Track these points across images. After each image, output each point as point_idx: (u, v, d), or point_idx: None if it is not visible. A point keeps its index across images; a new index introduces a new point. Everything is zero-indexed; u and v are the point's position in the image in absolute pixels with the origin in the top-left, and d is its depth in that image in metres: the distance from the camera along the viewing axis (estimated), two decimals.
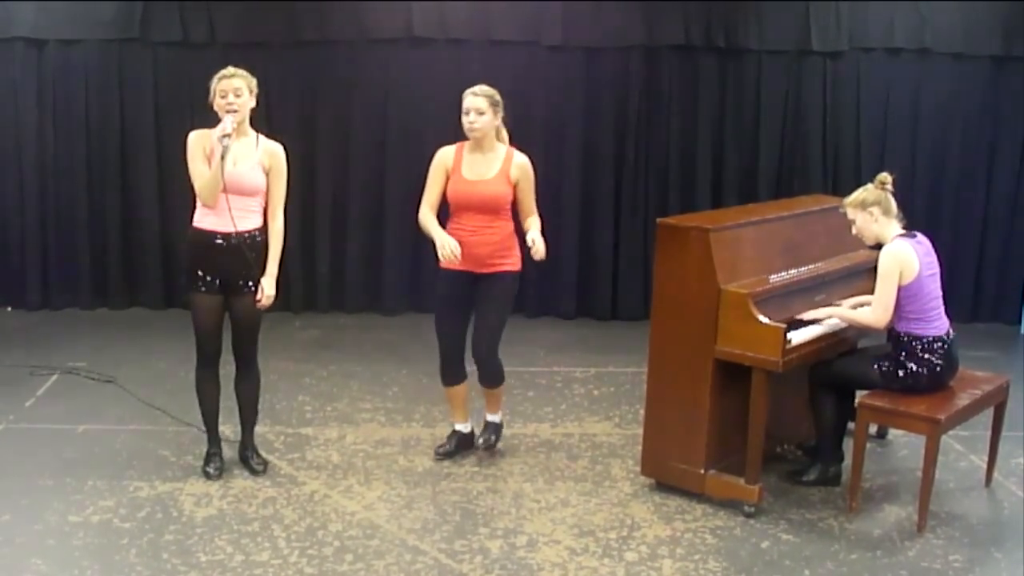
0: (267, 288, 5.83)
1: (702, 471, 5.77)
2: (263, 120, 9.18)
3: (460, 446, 6.40)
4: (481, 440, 6.36)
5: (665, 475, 5.95)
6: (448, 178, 6.01)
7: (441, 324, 6.17)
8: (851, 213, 5.83)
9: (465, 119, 5.91)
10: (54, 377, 7.56)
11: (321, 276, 9.48)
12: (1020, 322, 9.59)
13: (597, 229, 9.50)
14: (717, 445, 5.76)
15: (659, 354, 5.84)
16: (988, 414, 6.08)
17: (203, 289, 5.76)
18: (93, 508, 5.60)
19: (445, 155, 6.05)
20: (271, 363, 7.92)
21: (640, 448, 6.08)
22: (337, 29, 9.12)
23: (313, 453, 6.40)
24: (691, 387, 5.69)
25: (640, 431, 6.12)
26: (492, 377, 6.26)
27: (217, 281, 5.76)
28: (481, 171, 5.96)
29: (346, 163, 9.28)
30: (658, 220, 5.92)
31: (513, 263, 6.09)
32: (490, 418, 6.42)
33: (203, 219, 5.74)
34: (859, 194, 5.81)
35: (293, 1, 9.02)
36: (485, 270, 6.01)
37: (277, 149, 5.93)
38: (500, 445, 6.56)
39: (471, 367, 6.24)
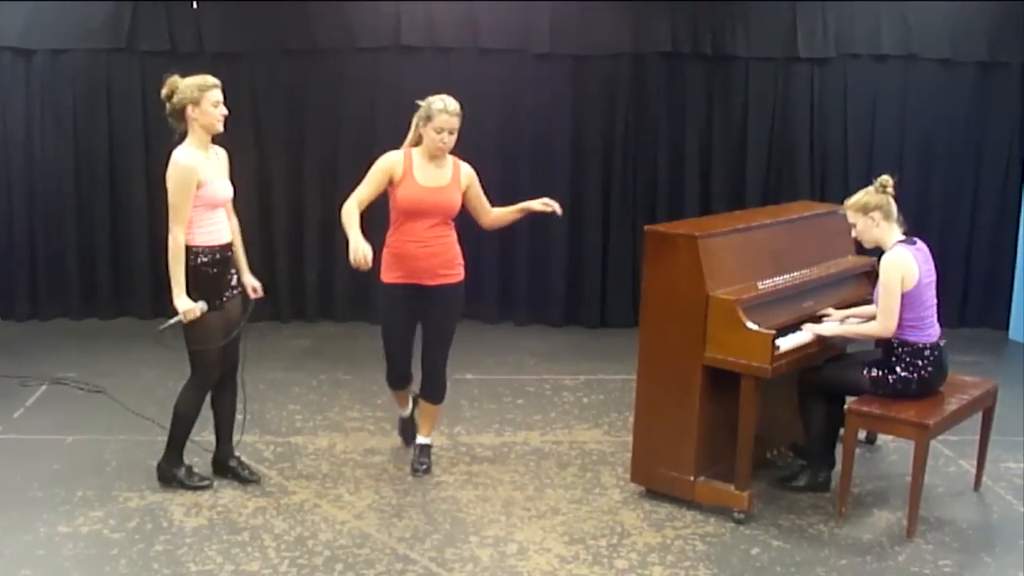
0: (255, 282, 6.06)
1: (692, 478, 5.77)
2: (251, 129, 9.24)
3: (408, 430, 6.53)
4: (416, 466, 6.28)
5: (655, 482, 5.95)
6: (392, 184, 5.90)
7: (394, 339, 6.11)
8: (852, 216, 5.81)
9: (436, 137, 5.81)
10: (43, 388, 7.54)
11: (310, 285, 9.48)
12: (1008, 327, 9.62)
13: (586, 237, 9.51)
14: (706, 452, 5.76)
15: (648, 361, 5.85)
16: (977, 419, 6.09)
17: (218, 305, 5.75)
18: (83, 519, 5.59)
19: (393, 161, 5.91)
20: (260, 372, 7.94)
21: (630, 455, 6.08)
22: (325, 37, 9.13)
23: (303, 462, 6.39)
24: (680, 394, 5.70)
25: (630, 438, 6.12)
26: (440, 391, 6.25)
27: (213, 296, 5.75)
28: (436, 178, 5.90)
29: (334, 171, 9.27)
30: (646, 227, 5.92)
31: (459, 273, 6.05)
32: (422, 440, 6.36)
33: (203, 235, 5.67)
34: (860, 197, 5.78)
35: (281, 6, 9.03)
36: (432, 282, 5.96)
37: (221, 151, 5.95)
38: (490, 453, 6.57)
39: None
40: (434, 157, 5.91)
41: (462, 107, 5.94)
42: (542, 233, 9.47)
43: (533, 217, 9.29)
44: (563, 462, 6.50)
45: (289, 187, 9.39)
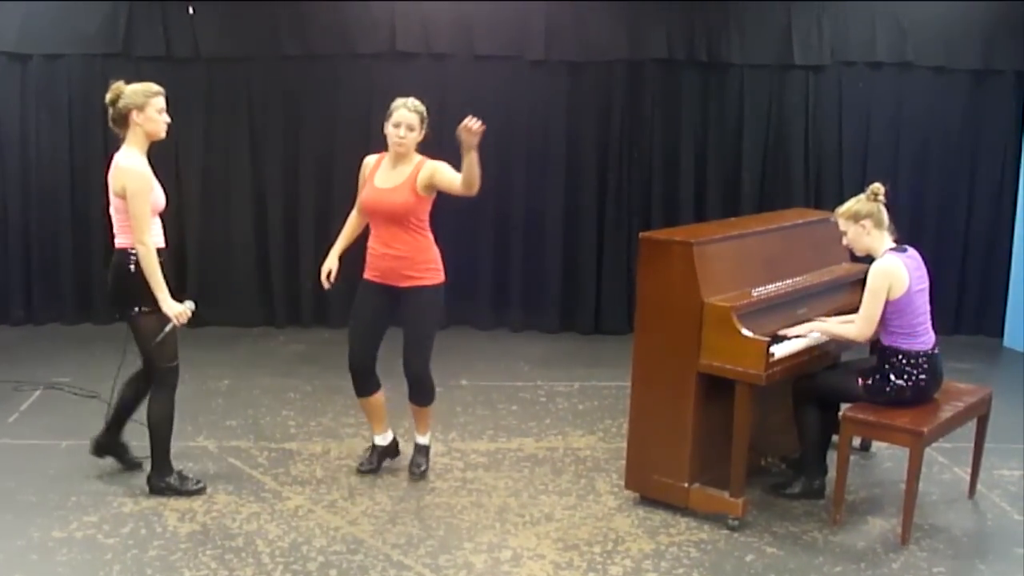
0: None
1: (686, 485, 5.77)
2: (247, 134, 9.24)
3: (383, 459, 6.38)
4: (413, 468, 6.27)
5: (649, 489, 5.95)
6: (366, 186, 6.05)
7: (352, 334, 6.13)
8: (843, 224, 5.82)
9: (395, 131, 5.87)
10: (37, 392, 7.54)
11: (305, 290, 9.47)
12: (1002, 334, 9.64)
13: (581, 243, 9.52)
14: (701, 458, 5.76)
15: (643, 368, 5.85)
16: (971, 426, 6.09)
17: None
18: (77, 524, 5.58)
19: (367, 163, 6.11)
20: (255, 378, 7.95)
21: (624, 462, 6.09)
22: (320, 43, 9.14)
23: (297, 468, 6.39)
24: (675, 401, 5.70)
25: (624, 445, 6.12)
26: (421, 395, 6.18)
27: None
28: (390, 180, 5.93)
29: (329, 177, 9.28)
30: (641, 234, 5.93)
31: (432, 276, 6.00)
32: (419, 440, 6.34)
33: (158, 237, 5.75)
34: (851, 205, 5.79)
35: (277, 12, 9.04)
36: (402, 284, 5.95)
37: None
38: (484, 459, 6.57)
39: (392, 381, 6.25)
40: (398, 158, 5.93)
41: (429, 111, 5.97)
42: (537, 238, 9.48)
43: (528, 222, 9.41)
44: (557, 468, 6.50)
45: (284, 192, 9.38)
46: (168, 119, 5.76)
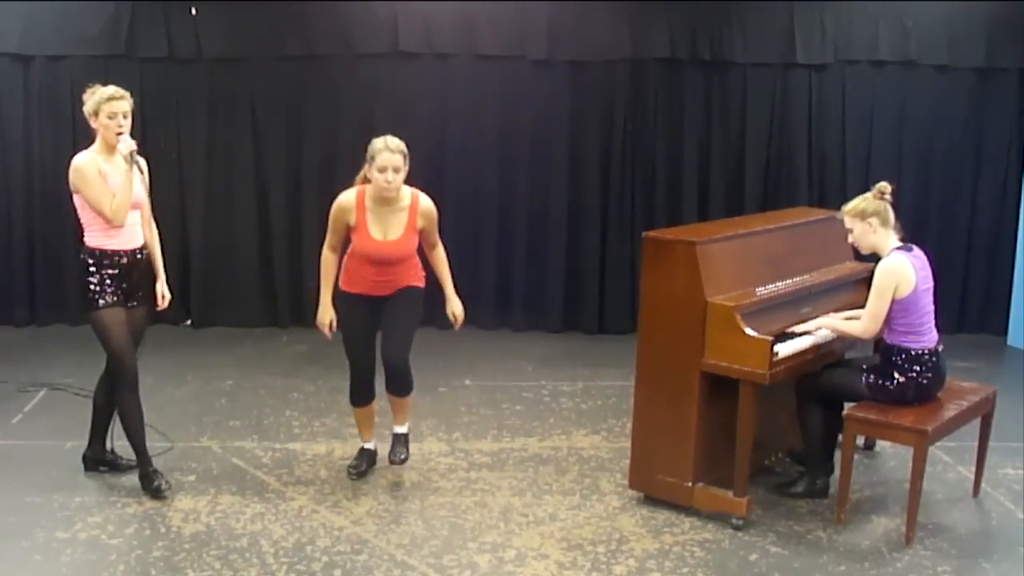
0: (167, 291, 6.11)
1: (690, 484, 5.77)
2: (249, 134, 9.24)
3: (370, 464, 6.37)
4: (394, 456, 6.23)
5: (653, 488, 5.94)
6: (349, 229, 5.89)
7: (352, 348, 6.10)
8: (849, 222, 5.82)
9: (380, 176, 5.70)
10: (41, 393, 7.54)
11: (308, 291, 9.45)
12: (1006, 333, 9.62)
13: (584, 243, 9.51)
14: (705, 458, 5.76)
15: (646, 367, 5.84)
16: (975, 425, 6.09)
17: (115, 303, 5.79)
18: (81, 524, 5.58)
19: (346, 207, 5.89)
20: (258, 378, 7.95)
21: (628, 461, 6.08)
22: (323, 44, 9.13)
23: (301, 468, 6.38)
24: (678, 400, 5.69)
25: (628, 444, 6.12)
26: (402, 386, 6.13)
27: (120, 296, 5.81)
28: (387, 228, 5.84)
29: (332, 177, 9.25)
30: (644, 233, 5.92)
31: (417, 280, 6.01)
32: (398, 430, 6.29)
33: (107, 240, 5.76)
34: (858, 203, 5.79)
35: (280, 12, 9.04)
36: (387, 292, 5.96)
37: (141, 160, 5.91)
38: (488, 459, 6.57)
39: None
40: (385, 200, 5.82)
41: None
42: (540, 239, 9.48)
43: (531, 221, 9.41)
44: (561, 468, 6.50)
45: (287, 192, 9.39)
46: (121, 124, 5.72)
